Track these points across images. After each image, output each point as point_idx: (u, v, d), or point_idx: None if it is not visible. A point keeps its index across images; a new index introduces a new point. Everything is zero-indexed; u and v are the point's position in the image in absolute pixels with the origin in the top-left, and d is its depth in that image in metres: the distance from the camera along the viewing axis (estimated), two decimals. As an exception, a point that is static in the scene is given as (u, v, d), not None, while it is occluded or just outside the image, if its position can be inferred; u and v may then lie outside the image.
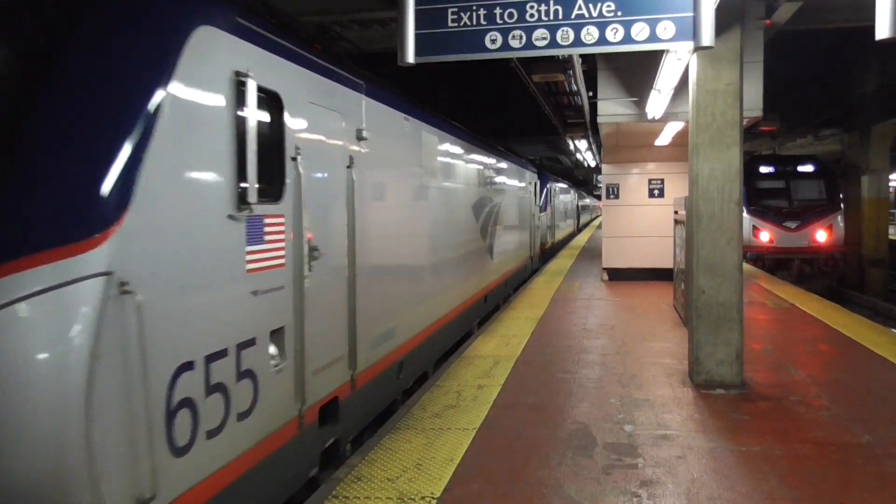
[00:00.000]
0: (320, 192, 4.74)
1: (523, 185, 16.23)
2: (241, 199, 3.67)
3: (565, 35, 4.57)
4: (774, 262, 17.37)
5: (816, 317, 9.65)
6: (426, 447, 4.74)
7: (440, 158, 8.22)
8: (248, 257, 3.80)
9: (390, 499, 3.94)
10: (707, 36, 4.33)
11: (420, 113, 7.47)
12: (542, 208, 20.39)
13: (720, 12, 4.77)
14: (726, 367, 6.09)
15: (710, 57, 5.90)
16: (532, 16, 4.61)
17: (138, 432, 2.89)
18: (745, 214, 14.76)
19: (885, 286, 20.16)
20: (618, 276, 13.95)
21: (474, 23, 4.68)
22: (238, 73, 3.64)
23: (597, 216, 60.05)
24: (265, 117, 4.05)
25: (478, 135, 11.35)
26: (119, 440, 2.80)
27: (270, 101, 4.09)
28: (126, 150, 2.92)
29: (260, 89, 3.86)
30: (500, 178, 12.91)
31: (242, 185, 3.67)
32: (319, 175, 4.74)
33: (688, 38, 4.41)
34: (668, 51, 6.10)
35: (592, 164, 30.17)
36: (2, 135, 2.92)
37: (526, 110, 19.82)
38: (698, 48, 4.44)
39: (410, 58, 4.83)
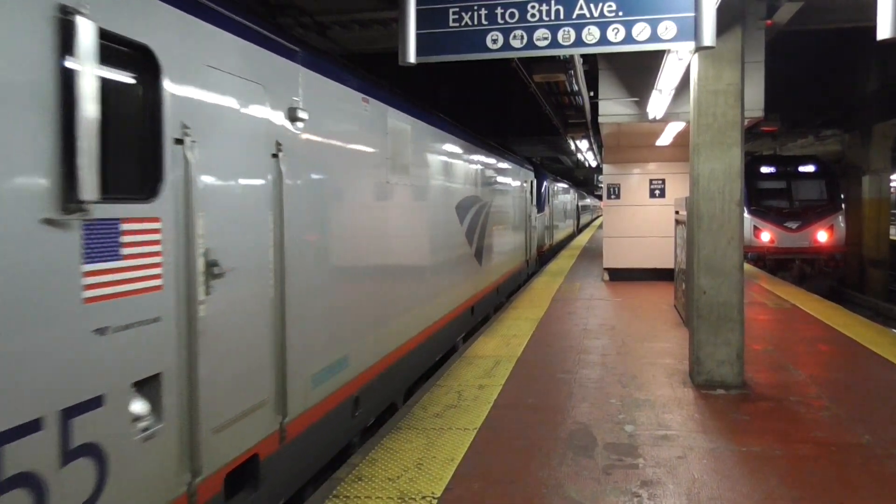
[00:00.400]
0: (227, 187, 3.65)
1: (518, 183, 15.31)
2: (69, 195, 2.55)
3: (566, 35, 4.57)
4: (775, 263, 17.37)
5: (817, 317, 9.65)
6: (427, 447, 4.74)
7: (413, 151, 7.08)
8: (88, 280, 2.68)
9: (391, 498, 3.95)
10: (708, 36, 4.33)
11: (386, 95, 6.31)
12: (540, 209, 19.72)
13: (721, 12, 4.77)
14: (727, 367, 6.09)
15: (712, 57, 5.90)
16: (533, 16, 4.61)
17: None
18: (745, 215, 14.74)
19: (886, 286, 20.16)
20: (619, 276, 13.95)
21: (475, 23, 4.68)
22: (65, 10, 2.56)
23: (597, 216, 59.19)
24: (125, 79, 3.04)
25: (464, 127, 10.20)
26: None
27: (137, 58, 3.05)
28: None
29: (115, 38, 2.86)
30: (490, 176, 11.92)
31: (83, 175, 2.56)
32: (225, 165, 3.64)
33: (689, 38, 4.41)
34: (669, 51, 6.10)
35: (593, 164, 30.18)
36: None
37: (526, 110, 19.85)
38: (699, 48, 4.44)
39: (411, 58, 4.83)
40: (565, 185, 30.18)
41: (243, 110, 3.85)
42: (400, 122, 6.64)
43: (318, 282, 4.77)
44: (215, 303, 3.47)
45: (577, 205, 38.33)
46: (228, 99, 3.69)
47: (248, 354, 3.87)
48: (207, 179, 3.46)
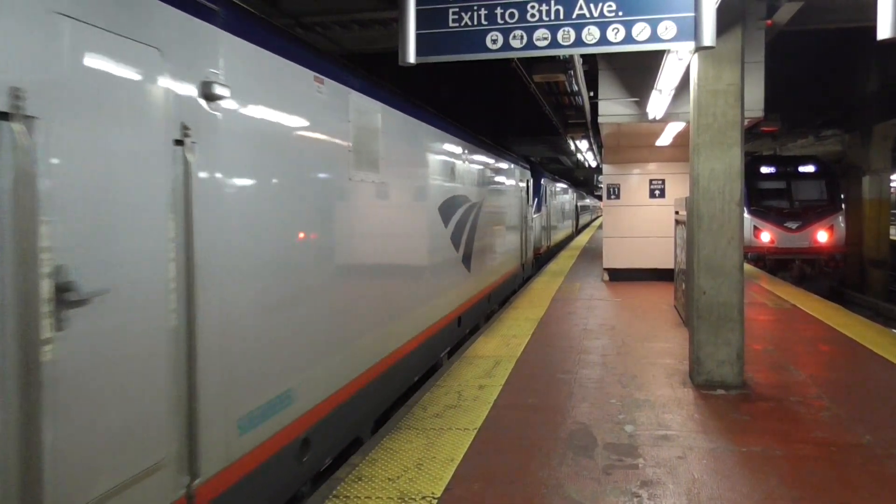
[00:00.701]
0: (94, 182, 2.74)
1: (513, 183, 14.43)
2: None
3: (566, 35, 4.57)
4: (775, 263, 17.37)
5: (817, 317, 9.65)
6: (427, 447, 4.74)
7: (385, 143, 6.11)
8: None
9: (391, 498, 3.94)
10: (708, 36, 4.33)
11: (348, 76, 5.33)
12: (537, 209, 19.17)
13: (721, 12, 4.77)
14: (727, 367, 6.09)
15: (712, 57, 5.90)
16: (533, 16, 4.60)
17: None
18: (745, 215, 14.74)
19: (886, 287, 20.16)
20: (618, 276, 13.95)
21: (475, 23, 4.68)
22: None
23: (597, 217, 58.69)
24: None
25: (450, 120, 9.21)
26: None
27: None
28: None
29: None
30: (481, 175, 10.98)
31: None
32: (92, 152, 2.73)
33: (689, 38, 4.41)
34: (669, 51, 6.10)
35: (593, 164, 30.19)
36: None
37: (526, 110, 19.85)
38: (699, 48, 4.44)
39: (411, 58, 4.82)
40: (564, 185, 29.63)
41: (124, 80, 2.90)
42: (367, 109, 5.70)
43: (247, 301, 3.81)
44: (73, 340, 2.58)
45: (576, 205, 37.49)
46: (96, 61, 2.76)
47: (134, 405, 2.92)
48: (60, 171, 2.55)
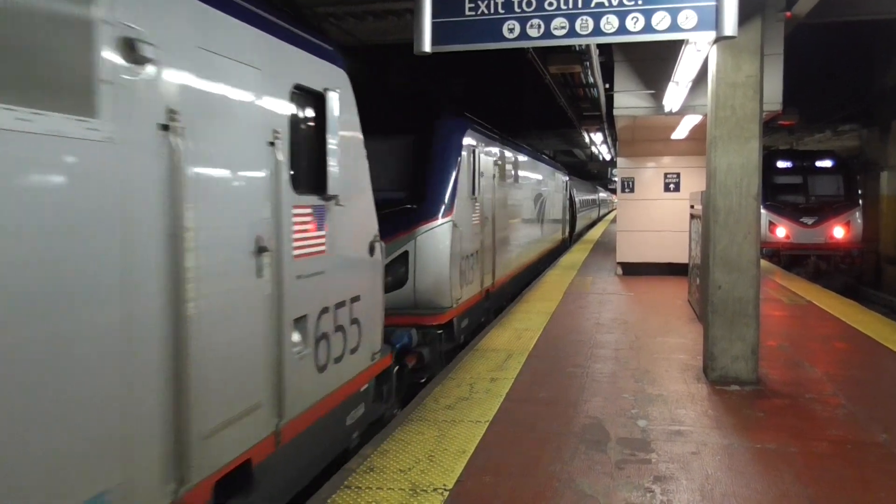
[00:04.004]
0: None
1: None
2: None
3: (584, 24, 4.51)
4: (790, 259, 17.21)
5: (833, 314, 9.54)
6: (438, 439, 4.73)
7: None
8: None
9: (403, 490, 3.93)
10: (730, 25, 4.25)
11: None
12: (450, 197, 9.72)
13: (741, 2, 4.68)
14: (741, 363, 6.03)
15: (731, 48, 5.81)
16: (551, 4, 4.55)
17: None
18: (761, 210, 14.63)
19: (902, 284, 19.94)
20: (632, 270, 13.87)
21: (492, 11, 4.63)
22: None
23: (610, 211, 54.17)
24: None
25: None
26: None
27: None
28: None
29: None
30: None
31: None
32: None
33: (710, 27, 4.34)
34: (687, 42, 6.02)
35: (608, 157, 30.01)
36: None
37: (540, 102, 19.73)
38: (720, 38, 4.37)
39: (427, 47, 4.78)
40: (530, 158, 14.54)
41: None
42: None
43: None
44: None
45: (571, 196, 24.47)
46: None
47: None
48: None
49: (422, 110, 8.31)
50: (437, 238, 7.39)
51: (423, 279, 7.29)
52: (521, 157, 13.06)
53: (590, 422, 5.08)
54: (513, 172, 11.83)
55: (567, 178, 22.63)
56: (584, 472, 4.17)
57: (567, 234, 22.77)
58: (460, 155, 8.05)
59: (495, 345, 7.59)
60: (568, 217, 22.93)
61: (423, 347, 7.20)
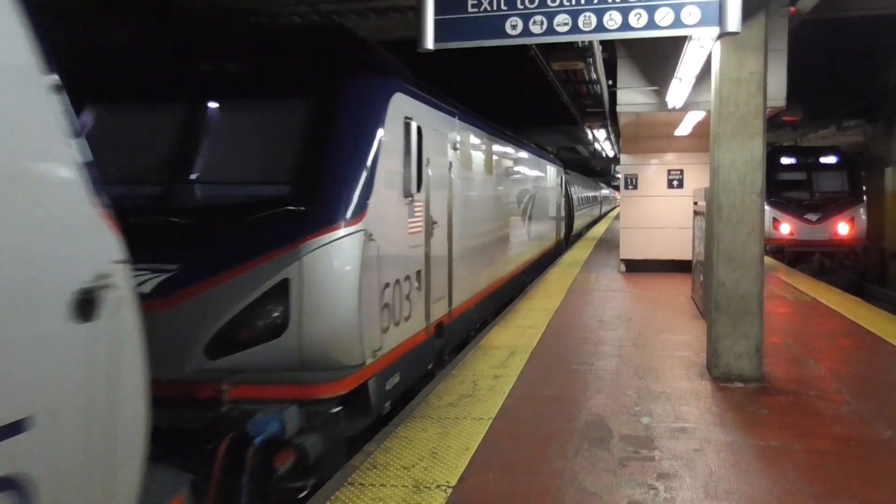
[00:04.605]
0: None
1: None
2: None
3: (587, 20, 4.49)
4: (794, 255, 17.16)
5: (837, 310, 9.52)
6: (441, 436, 4.73)
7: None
8: None
9: (406, 486, 3.94)
10: (734, 21, 4.23)
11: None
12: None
13: (745, -2, 4.67)
14: (745, 360, 6.01)
15: (734, 44, 5.79)
16: (554, 0, 4.54)
17: None
18: (765, 206, 14.57)
19: (907, 281, 19.85)
20: (635, 267, 13.85)
21: (494, 8, 4.62)
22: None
23: (612, 208, 51.75)
24: None
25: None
26: None
27: None
28: None
29: None
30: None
31: None
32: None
33: (713, 23, 4.32)
34: (690, 38, 6.00)
35: (611, 154, 29.97)
36: None
37: (542, 99, 19.70)
38: (724, 34, 4.35)
39: (429, 44, 4.77)
40: (513, 146, 11.98)
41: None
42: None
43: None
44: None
45: (568, 193, 21.94)
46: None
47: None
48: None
49: (321, 58, 5.36)
50: (337, 257, 4.64)
51: (314, 323, 4.57)
52: (499, 144, 10.23)
53: (593, 419, 5.08)
54: (484, 162, 9.08)
55: (563, 173, 19.96)
56: (587, 470, 4.17)
57: (563, 235, 19.95)
58: (383, 130, 5.19)
59: (498, 342, 7.59)
60: (564, 216, 20.15)
61: (308, 436, 4.36)
